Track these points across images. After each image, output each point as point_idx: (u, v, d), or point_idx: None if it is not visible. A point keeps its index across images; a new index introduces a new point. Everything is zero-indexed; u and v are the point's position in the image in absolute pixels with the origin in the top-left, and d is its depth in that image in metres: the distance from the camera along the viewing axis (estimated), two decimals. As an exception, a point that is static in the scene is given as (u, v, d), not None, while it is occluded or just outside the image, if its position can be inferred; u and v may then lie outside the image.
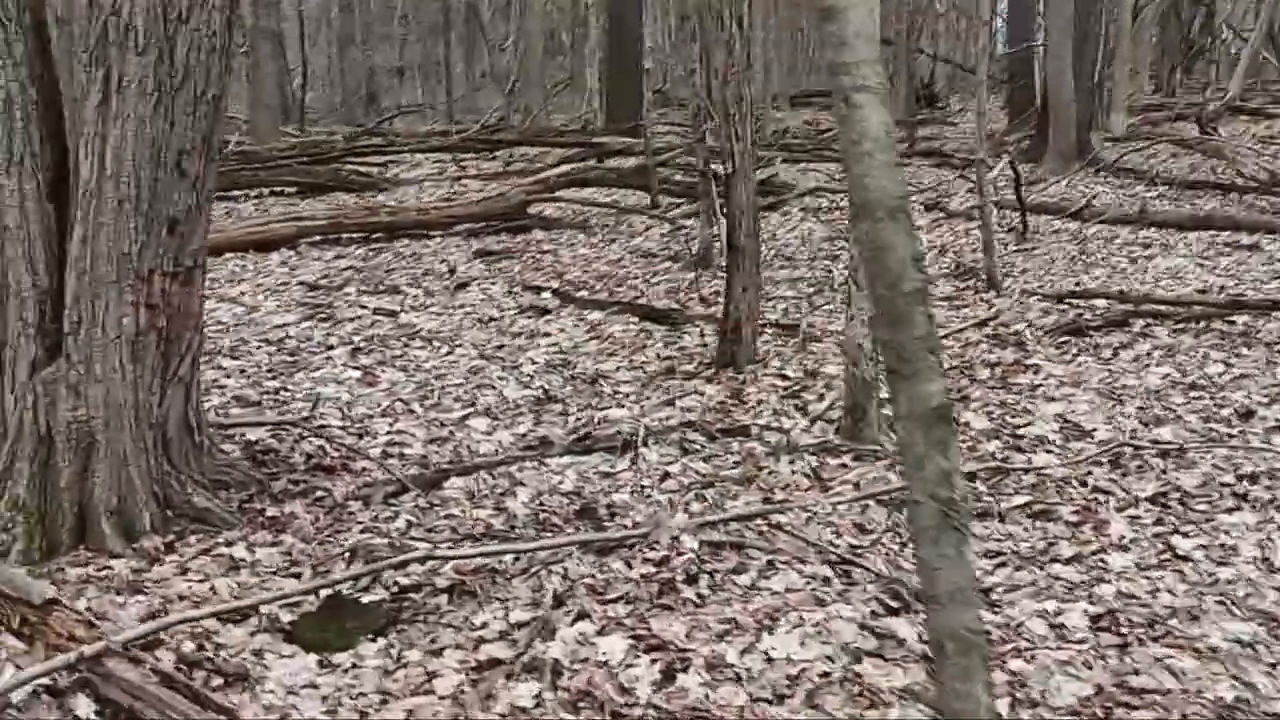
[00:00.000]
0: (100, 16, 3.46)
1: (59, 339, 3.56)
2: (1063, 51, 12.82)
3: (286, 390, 5.37)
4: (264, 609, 3.22)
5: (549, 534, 3.81)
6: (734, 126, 5.48)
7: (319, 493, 4.07)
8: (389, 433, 4.76)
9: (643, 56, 14.44)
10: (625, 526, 3.85)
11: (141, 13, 3.46)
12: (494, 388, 5.41)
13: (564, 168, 11.07)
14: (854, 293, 4.53)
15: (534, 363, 5.83)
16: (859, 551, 3.69)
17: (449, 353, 6.07)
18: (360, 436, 4.69)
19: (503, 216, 9.63)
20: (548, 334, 6.39)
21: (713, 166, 8.36)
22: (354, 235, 9.21)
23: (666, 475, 4.28)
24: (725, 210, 5.57)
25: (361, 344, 6.21)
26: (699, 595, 3.42)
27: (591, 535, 3.70)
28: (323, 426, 4.71)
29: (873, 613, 3.33)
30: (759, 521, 3.88)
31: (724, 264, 7.71)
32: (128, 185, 3.52)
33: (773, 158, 11.23)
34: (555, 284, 7.55)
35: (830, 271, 7.76)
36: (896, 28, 20.03)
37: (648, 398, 5.17)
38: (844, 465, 4.38)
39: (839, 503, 4.02)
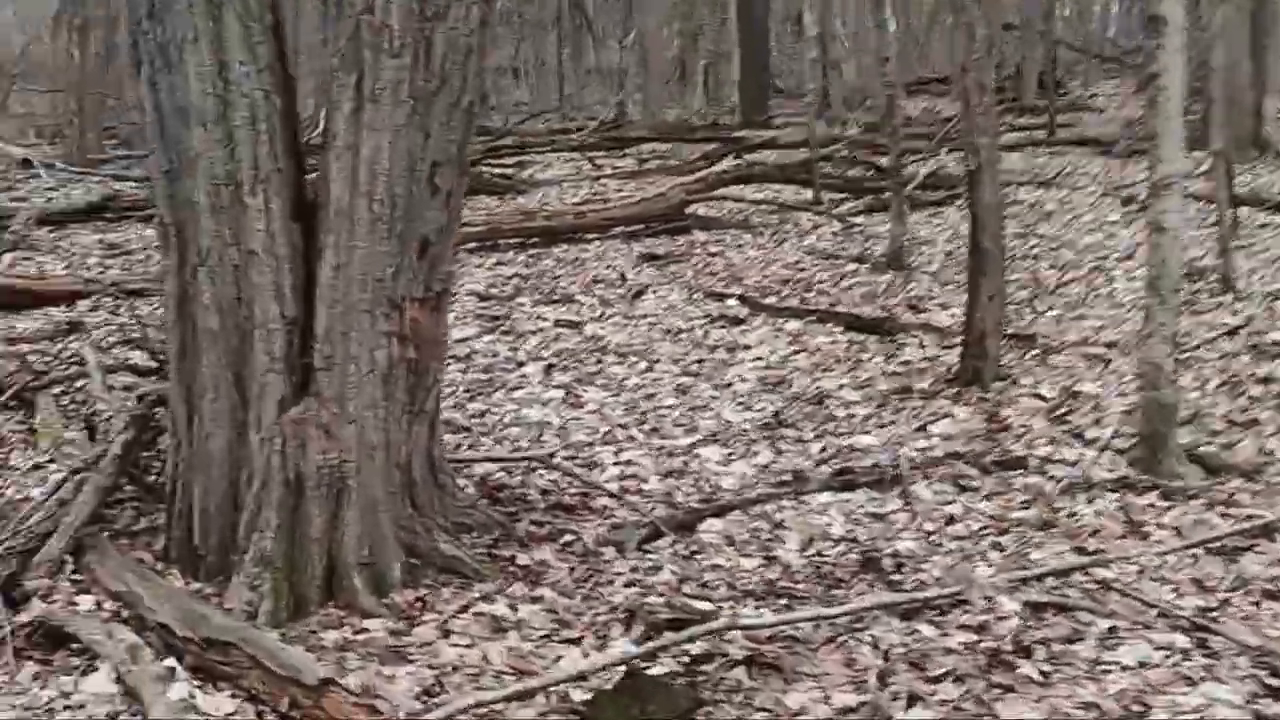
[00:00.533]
0: (352, 14, 3.10)
1: (306, 375, 3.21)
2: (1239, 31, 11.97)
3: (491, 413, 5.01)
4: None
5: (839, 590, 3.37)
6: (977, 118, 4.96)
7: (566, 536, 3.68)
8: (617, 463, 4.36)
9: (769, 49, 13.90)
10: (924, 583, 3.39)
11: (397, 9, 3.08)
12: (710, 409, 4.98)
13: (724, 164, 10.61)
14: (1154, 308, 3.98)
15: (744, 380, 5.38)
16: (1210, 614, 3.17)
17: (648, 369, 5.66)
18: (589, 467, 4.30)
19: (661, 217, 9.21)
20: (747, 346, 5.94)
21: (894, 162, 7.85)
22: (510, 240, 8.87)
23: (951, 519, 3.80)
24: (971, 210, 5.05)
25: (553, 360, 5.83)
26: (1040, 672, 2.93)
27: (897, 597, 3.25)
28: (550, 455, 4.33)
29: (1254, 694, 2.81)
30: (1079, 576, 3.38)
31: (930, 269, 7.22)
32: (382, 204, 3.15)
33: (934, 150, 10.61)
34: (736, 290, 7.09)
35: (1035, 274, 7.17)
36: (1025, 15, 19.20)
37: (891, 421, 4.68)
38: (1152, 505, 3.84)
39: (1165, 552, 3.50)
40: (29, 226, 9.57)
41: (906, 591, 3.31)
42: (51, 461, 4.40)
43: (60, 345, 6.29)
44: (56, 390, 5.19)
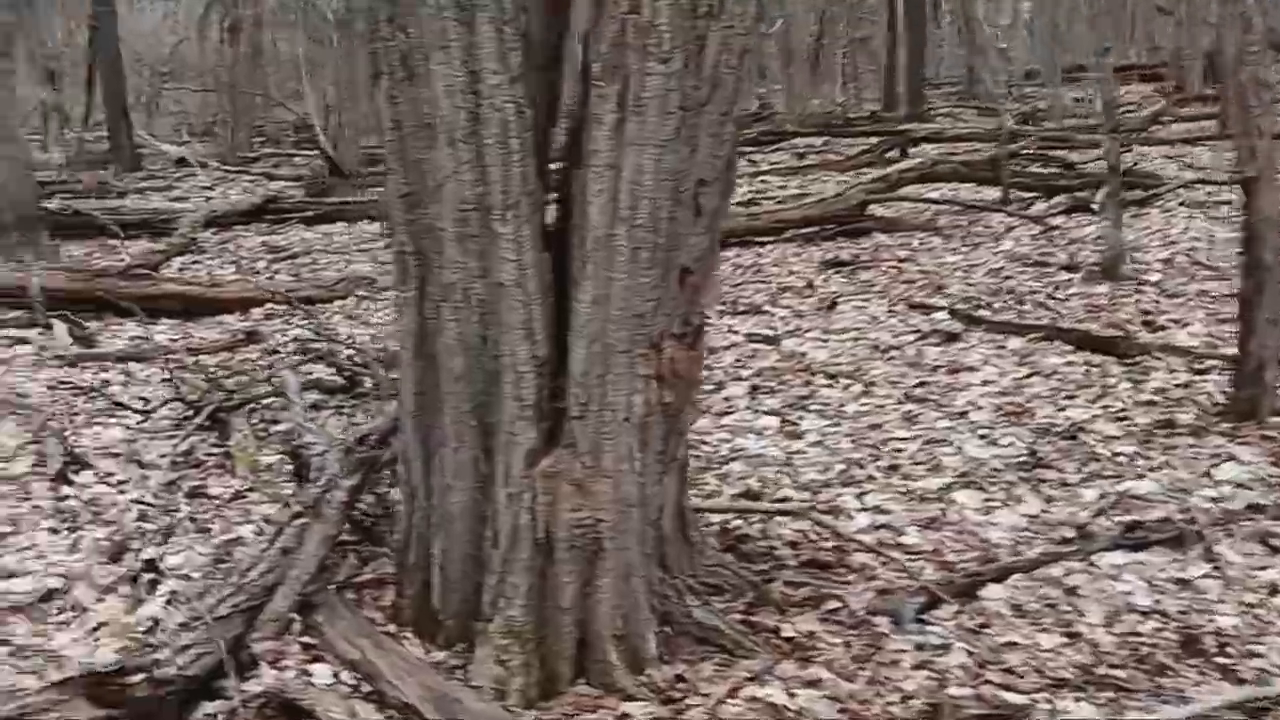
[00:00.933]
0: (616, 15, 2.72)
1: (554, 423, 2.85)
2: None
3: (705, 444, 4.62)
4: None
5: (1164, 679, 2.86)
6: (1256, 120, 4.35)
7: (831, 603, 3.25)
8: (864, 509, 3.91)
9: (925, 37, 13.21)
10: (1266, 672, 2.86)
11: (667, 7, 2.69)
12: (949, 443, 4.49)
13: (908, 162, 10.04)
14: None
15: (978, 408, 4.87)
16: None
17: (864, 392, 5.19)
18: (832, 514, 3.87)
19: (839, 219, 8.73)
20: (971, 367, 5.42)
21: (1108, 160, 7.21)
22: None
23: (1274, 588, 3.25)
24: (1246, 222, 4.45)
25: (757, 381, 5.42)
26: None
27: (1245, 692, 2.74)
28: (784, 498, 3.91)
29: None
30: None
31: (1151, 279, 6.58)
32: (644, 229, 2.77)
33: (1129, 145, 9.86)
34: (941, 301, 6.56)
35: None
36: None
37: (1166, 463, 4.12)
38: None
39: None
40: (196, 229, 9.58)
41: (1251, 685, 2.80)
42: (252, 490, 4.18)
43: (240, 357, 6.16)
44: (246, 408, 5.00)
